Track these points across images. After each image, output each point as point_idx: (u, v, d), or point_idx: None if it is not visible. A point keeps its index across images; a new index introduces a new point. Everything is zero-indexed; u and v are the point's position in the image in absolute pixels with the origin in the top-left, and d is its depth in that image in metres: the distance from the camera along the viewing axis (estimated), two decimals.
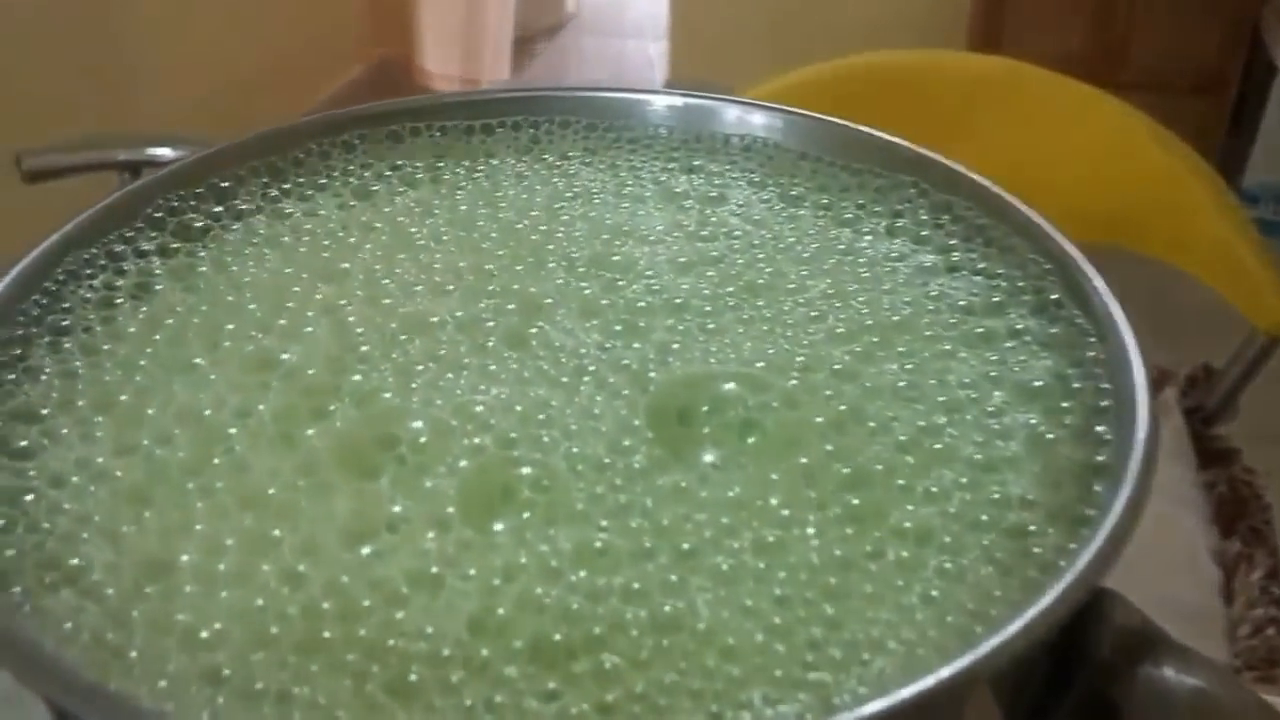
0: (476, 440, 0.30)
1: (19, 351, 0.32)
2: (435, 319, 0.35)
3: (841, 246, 0.38)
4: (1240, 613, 0.70)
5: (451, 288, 0.36)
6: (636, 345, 0.34)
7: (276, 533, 0.28)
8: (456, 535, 0.28)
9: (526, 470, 0.29)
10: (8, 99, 0.97)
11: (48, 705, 0.24)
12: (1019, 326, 0.33)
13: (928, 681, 0.22)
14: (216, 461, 0.30)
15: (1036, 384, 0.31)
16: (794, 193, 0.41)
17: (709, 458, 0.30)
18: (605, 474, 0.29)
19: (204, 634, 0.25)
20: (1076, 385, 0.31)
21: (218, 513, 0.28)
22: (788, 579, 0.26)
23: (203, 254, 0.37)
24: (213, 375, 0.32)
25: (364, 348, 0.33)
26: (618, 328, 0.34)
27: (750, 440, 0.30)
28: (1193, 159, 0.90)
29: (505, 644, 0.25)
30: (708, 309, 0.35)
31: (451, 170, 0.43)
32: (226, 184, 0.40)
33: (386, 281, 0.36)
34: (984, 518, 0.27)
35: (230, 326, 0.34)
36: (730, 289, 0.36)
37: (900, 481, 0.29)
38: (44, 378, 0.32)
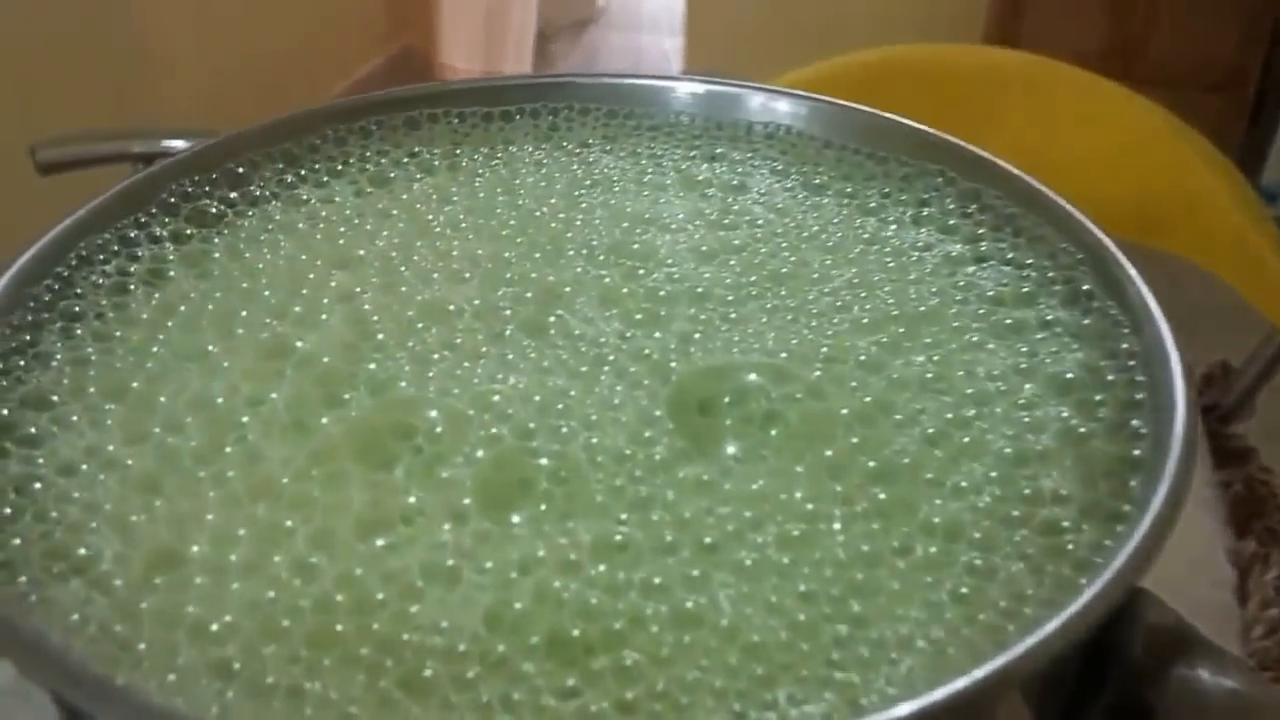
0: (494, 430, 0.29)
1: (30, 337, 0.32)
2: (452, 307, 0.34)
3: (866, 236, 0.37)
4: (1254, 613, 0.69)
5: (469, 275, 0.36)
6: (657, 334, 0.33)
7: (289, 523, 0.27)
8: (473, 527, 0.27)
9: (545, 461, 0.29)
10: (23, 88, 0.97)
11: (54, 699, 0.23)
12: (1050, 317, 0.33)
13: (960, 683, 0.21)
14: (229, 450, 0.29)
15: (1068, 376, 0.30)
16: (817, 181, 0.40)
17: (731, 450, 0.29)
18: (625, 465, 0.28)
19: (214, 627, 0.24)
20: (1110, 378, 0.30)
21: (229, 502, 0.28)
22: (813, 575, 0.25)
23: (217, 240, 0.37)
24: (226, 363, 0.32)
25: (380, 336, 0.33)
26: (638, 317, 0.34)
27: (773, 432, 0.30)
28: (1213, 155, 0.88)
29: (523, 639, 0.24)
30: (730, 298, 0.34)
31: (469, 157, 0.42)
32: (242, 170, 0.39)
33: (403, 269, 0.36)
34: (1015, 513, 0.27)
35: (244, 313, 0.34)
36: (753, 278, 0.35)
37: (928, 475, 0.28)
38: (55, 364, 0.31)
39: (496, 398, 0.31)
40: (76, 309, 0.33)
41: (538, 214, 0.39)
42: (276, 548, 0.26)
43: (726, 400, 0.31)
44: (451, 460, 0.29)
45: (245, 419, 0.30)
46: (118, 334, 0.33)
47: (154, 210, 0.37)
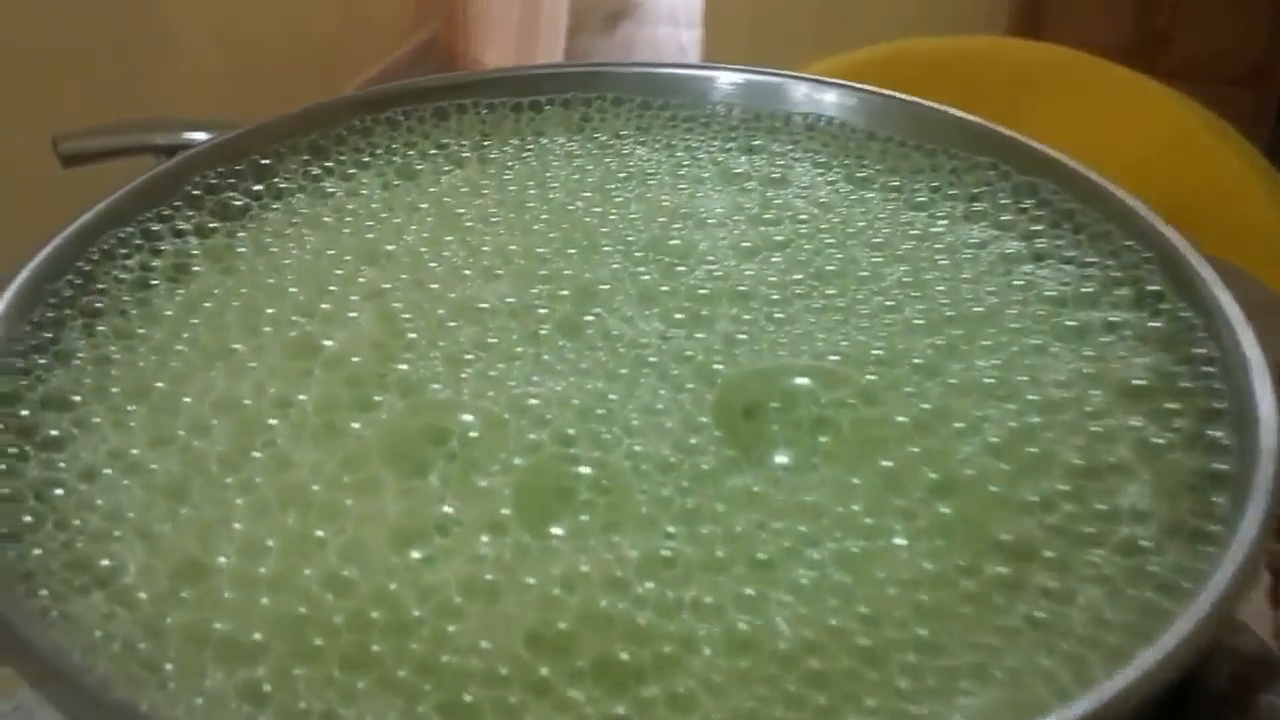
0: (531, 436, 0.28)
1: (50, 335, 0.31)
2: (485, 305, 0.33)
3: (915, 232, 0.36)
4: None
5: (501, 272, 0.34)
6: (700, 335, 0.31)
7: (320, 533, 0.26)
8: (513, 539, 0.26)
9: (586, 470, 0.27)
10: (43, 76, 0.96)
11: None
12: (1115, 319, 0.31)
13: None
14: (256, 455, 0.28)
15: (1139, 383, 0.29)
16: (861, 174, 0.39)
17: (781, 459, 0.28)
18: (671, 475, 0.27)
19: (243, 645, 0.23)
20: (1185, 385, 0.28)
21: (258, 510, 0.26)
22: (875, 596, 0.24)
23: (242, 234, 0.36)
24: (252, 362, 0.31)
25: (410, 335, 0.31)
26: (679, 316, 0.32)
27: (823, 439, 0.28)
28: (1245, 149, 0.87)
29: (568, 663, 0.23)
30: (775, 297, 0.33)
31: (499, 149, 0.41)
32: (267, 161, 0.38)
33: (433, 265, 0.34)
34: (1090, 531, 0.25)
35: (270, 311, 0.32)
36: (798, 276, 0.34)
37: (994, 489, 0.26)
38: (76, 362, 0.30)
39: (534, 401, 0.29)
40: (98, 305, 0.32)
41: (571, 208, 0.37)
42: (307, 560, 0.25)
43: (774, 405, 0.29)
44: (488, 467, 0.27)
45: (273, 422, 0.29)
46: (141, 331, 0.32)
47: (177, 203, 0.36)
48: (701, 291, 0.33)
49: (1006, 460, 0.27)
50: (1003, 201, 0.36)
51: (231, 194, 0.37)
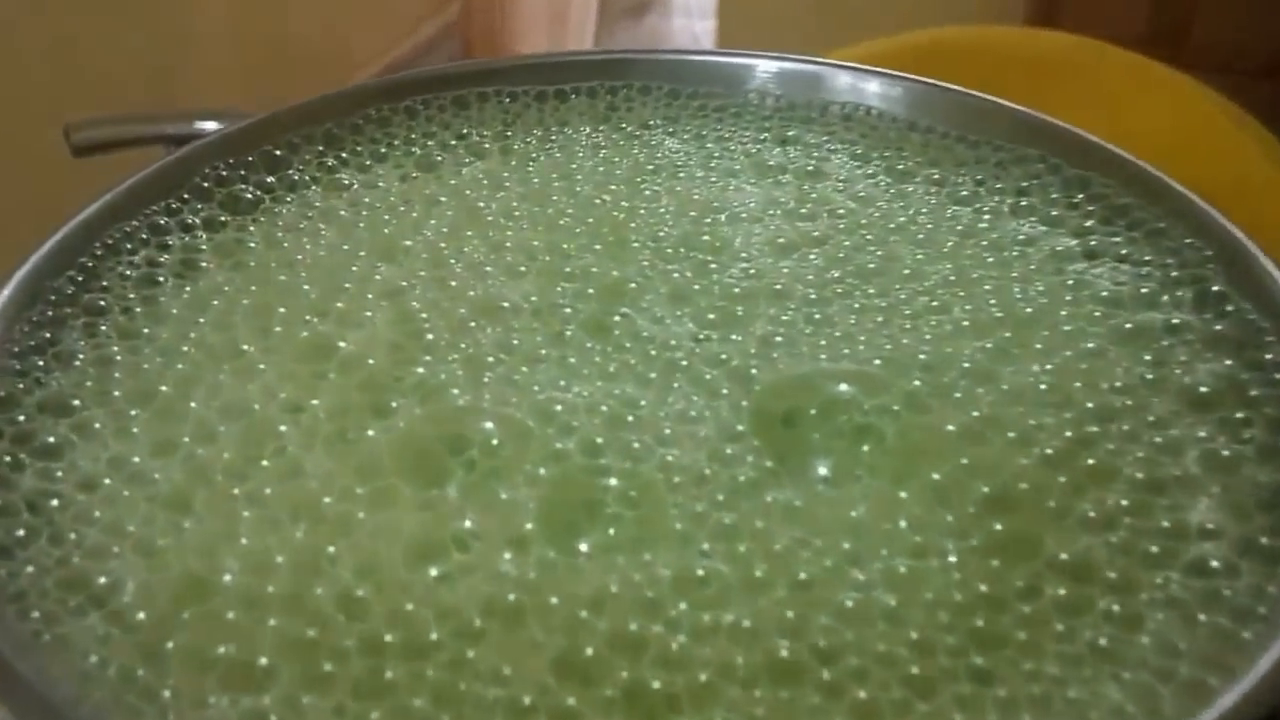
0: (557, 445, 0.27)
1: (50, 334, 0.30)
2: (507, 304, 0.31)
3: (960, 228, 0.34)
4: None
5: (524, 269, 0.33)
6: (735, 337, 0.30)
7: (332, 549, 0.24)
8: (536, 555, 0.24)
9: (614, 481, 0.26)
10: (55, 65, 0.96)
11: None
12: (1176, 321, 0.29)
13: None
14: (265, 464, 0.26)
15: (1204, 390, 0.27)
16: (901, 167, 0.37)
17: (822, 470, 0.26)
18: (706, 488, 0.25)
19: (249, 670, 0.22)
20: (1254, 393, 0.26)
21: (266, 524, 0.25)
22: (926, 620, 0.22)
23: (253, 228, 0.34)
24: (262, 365, 0.29)
25: (429, 336, 0.30)
26: (712, 316, 0.31)
27: (866, 448, 0.27)
28: (1265, 138, 0.85)
29: (596, 691, 0.21)
30: (813, 296, 0.31)
31: (522, 140, 0.39)
32: (279, 152, 0.37)
33: (453, 261, 0.33)
34: (1155, 549, 0.23)
35: (282, 310, 0.31)
36: (837, 273, 0.32)
37: (1051, 503, 0.24)
38: (77, 364, 0.29)
39: (559, 408, 0.28)
40: (101, 303, 0.31)
41: (597, 202, 0.36)
42: (318, 577, 0.24)
43: (812, 412, 0.27)
44: (510, 479, 0.26)
45: (283, 428, 0.27)
46: (145, 331, 0.30)
47: (186, 195, 0.35)
48: (735, 290, 0.32)
49: (1063, 472, 0.25)
50: (1053, 196, 0.34)
51: (242, 186, 0.35)
